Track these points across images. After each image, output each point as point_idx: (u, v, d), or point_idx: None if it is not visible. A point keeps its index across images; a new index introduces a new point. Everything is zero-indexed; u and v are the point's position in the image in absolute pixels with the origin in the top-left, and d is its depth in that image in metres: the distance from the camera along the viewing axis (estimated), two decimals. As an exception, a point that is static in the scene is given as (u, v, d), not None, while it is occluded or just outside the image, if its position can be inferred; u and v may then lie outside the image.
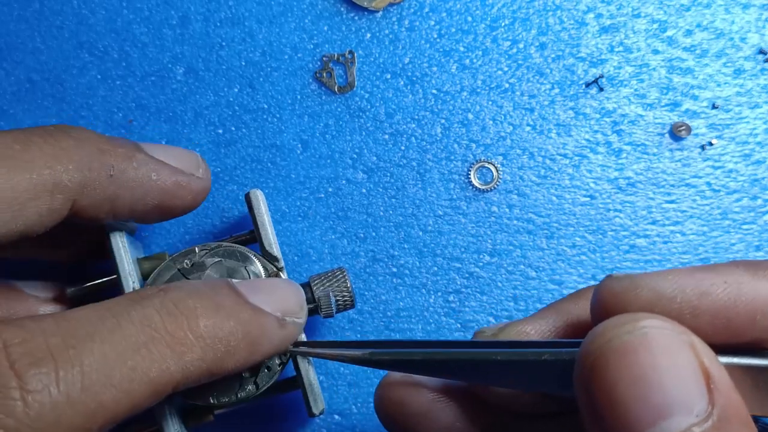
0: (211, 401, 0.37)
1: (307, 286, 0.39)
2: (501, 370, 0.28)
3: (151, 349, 0.30)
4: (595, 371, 0.24)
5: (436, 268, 0.44)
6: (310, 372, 0.38)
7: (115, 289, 0.38)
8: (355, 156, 0.45)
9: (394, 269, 0.44)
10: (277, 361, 0.37)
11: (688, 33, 0.46)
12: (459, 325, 0.44)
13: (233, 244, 0.38)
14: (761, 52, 0.46)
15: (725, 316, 0.27)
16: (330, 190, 0.45)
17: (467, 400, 0.34)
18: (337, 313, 0.39)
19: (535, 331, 0.32)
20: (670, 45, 0.46)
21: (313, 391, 0.38)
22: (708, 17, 0.46)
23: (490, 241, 0.44)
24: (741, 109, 0.45)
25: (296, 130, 0.45)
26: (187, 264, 0.37)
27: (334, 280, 0.39)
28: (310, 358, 0.38)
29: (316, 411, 0.38)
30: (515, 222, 0.44)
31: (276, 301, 0.35)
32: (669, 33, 0.46)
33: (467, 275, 0.44)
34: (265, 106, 0.45)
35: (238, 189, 0.44)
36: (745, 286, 0.27)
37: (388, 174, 0.45)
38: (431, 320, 0.44)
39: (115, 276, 0.38)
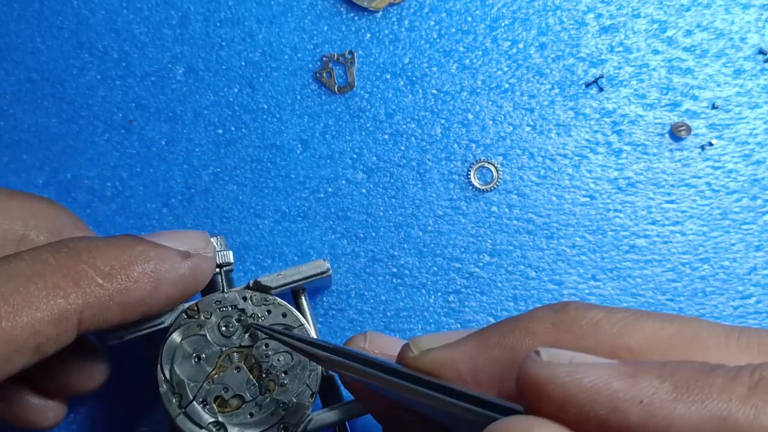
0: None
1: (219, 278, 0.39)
2: (434, 408, 0.28)
3: (44, 280, 0.31)
4: None
5: (436, 268, 0.44)
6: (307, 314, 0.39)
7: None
8: (355, 156, 0.45)
9: (394, 269, 0.44)
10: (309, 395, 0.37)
11: (688, 33, 0.46)
12: (459, 326, 0.43)
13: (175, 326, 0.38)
14: (761, 52, 0.46)
15: None
16: (330, 190, 0.45)
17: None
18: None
19: (453, 364, 0.30)
20: (670, 45, 0.46)
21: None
22: (708, 17, 0.46)
23: (490, 241, 0.44)
24: (741, 109, 0.45)
25: (296, 130, 0.45)
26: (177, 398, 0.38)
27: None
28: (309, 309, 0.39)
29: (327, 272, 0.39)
30: (515, 222, 0.44)
31: (177, 240, 0.36)
32: (669, 33, 0.46)
33: (467, 275, 0.44)
34: (265, 106, 0.45)
35: (238, 189, 0.44)
36: (661, 411, 0.24)
37: (388, 174, 0.45)
38: (431, 320, 0.44)
39: (156, 324, 0.38)
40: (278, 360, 0.37)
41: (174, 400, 0.37)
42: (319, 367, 0.37)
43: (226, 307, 0.38)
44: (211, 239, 0.38)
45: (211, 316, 0.38)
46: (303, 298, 0.40)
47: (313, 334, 0.38)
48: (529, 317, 0.30)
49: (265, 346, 0.37)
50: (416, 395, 0.28)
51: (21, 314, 0.30)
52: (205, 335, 0.38)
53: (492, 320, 0.43)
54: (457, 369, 0.30)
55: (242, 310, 0.38)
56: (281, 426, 0.37)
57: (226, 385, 0.37)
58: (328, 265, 0.39)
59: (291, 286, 0.39)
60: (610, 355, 0.26)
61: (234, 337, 0.38)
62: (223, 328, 0.38)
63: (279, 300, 0.38)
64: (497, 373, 0.29)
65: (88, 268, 0.33)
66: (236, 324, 0.38)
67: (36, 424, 0.39)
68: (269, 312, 0.38)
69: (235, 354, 0.38)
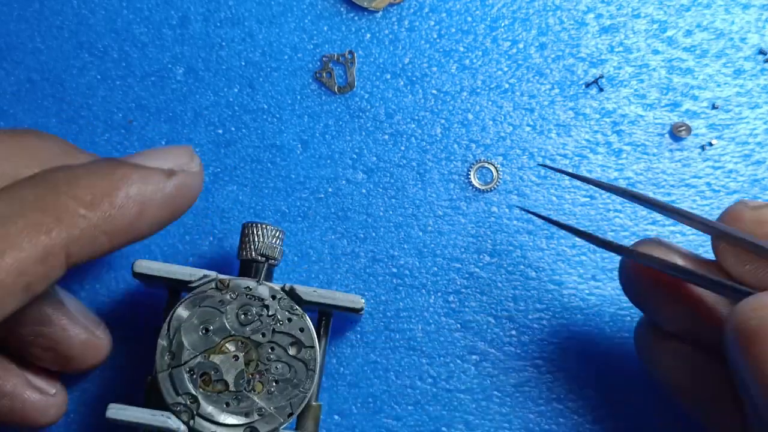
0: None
1: (248, 263, 0.39)
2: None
3: (25, 217, 0.30)
4: (740, 347, 0.30)
5: (436, 269, 0.44)
6: (323, 294, 0.38)
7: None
8: (355, 156, 0.45)
9: (394, 269, 0.44)
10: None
11: (688, 33, 0.46)
12: (459, 326, 0.43)
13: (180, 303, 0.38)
14: (761, 52, 0.46)
15: None
16: (330, 190, 0.45)
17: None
18: (280, 252, 0.39)
19: None
20: (670, 45, 0.46)
21: (339, 299, 0.38)
22: (708, 17, 0.46)
23: (490, 241, 0.44)
24: (741, 109, 0.45)
25: (296, 130, 0.45)
26: (168, 358, 0.38)
27: (254, 237, 0.39)
28: (315, 288, 0.38)
29: (359, 306, 0.38)
30: (515, 222, 0.44)
31: (159, 158, 0.35)
32: (669, 33, 0.46)
33: (467, 275, 0.44)
34: (265, 107, 0.45)
35: (238, 189, 0.44)
36: None
37: (388, 174, 0.45)
38: (431, 320, 0.44)
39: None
40: (276, 368, 0.37)
41: (167, 357, 0.37)
42: (309, 393, 0.37)
43: (253, 297, 0.38)
44: (198, 159, 0.37)
45: (236, 297, 0.38)
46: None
47: (318, 358, 0.38)
48: None
49: (271, 350, 0.37)
50: None
51: (4, 257, 0.29)
52: (223, 313, 0.37)
53: (492, 320, 0.43)
54: None
55: (266, 306, 0.38)
56: (248, 428, 0.37)
57: (218, 367, 0.37)
58: (363, 303, 0.38)
59: (321, 307, 0.39)
60: None
61: (247, 328, 0.37)
62: (242, 316, 0.37)
63: (304, 314, 0.38)
64: None
65: (69, 200, 0.32)
66: (255, 316, 0.38)
67: (37, 420, 0.39)
68: (289, 320, 0.38)
69: (240, 343, 0.37)
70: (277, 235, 0.39)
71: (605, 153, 0.45)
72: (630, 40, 0.46)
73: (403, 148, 0.45)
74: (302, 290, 0.38)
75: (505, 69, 0.46)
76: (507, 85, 0.45)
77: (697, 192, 0.45)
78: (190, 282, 0.38)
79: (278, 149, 0.45)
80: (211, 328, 0.37)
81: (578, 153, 0.45)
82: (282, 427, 0.37)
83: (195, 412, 0.37)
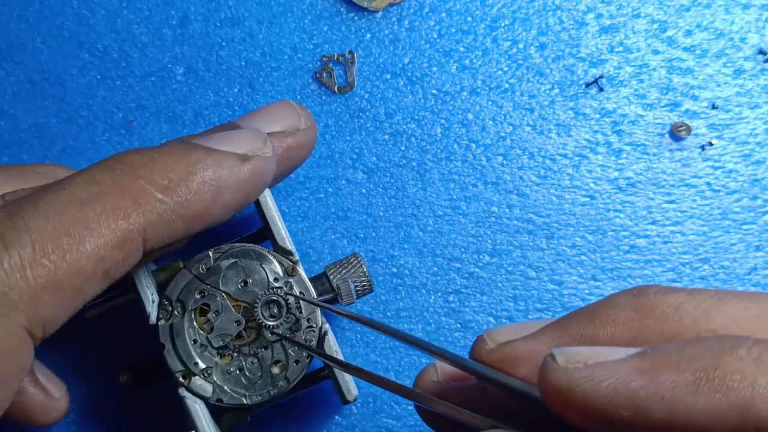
0: (245, 402, 0.37)
1: (323, 277, 0.39)
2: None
3: (103, 201, 0.30)
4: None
5: (436, 268, 0.44)
6: (338, 359, 0.38)
7: (133, 304, 0.38)
8: (355, 156, 0.45)
9: (394, 269, 0.44)
10: (305, 354, 0.37)
11: (688, 33, 0.46)
12: (459, 325, 0.44)
13: (246, 244, 0.38)
14: (761, 52, 0.46)
15: None
16: (330, 190, 0.45)
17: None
18: (357, 299, 0.39)
19: (529, 353, 0.29)
20: (670, 45, 0.46)
21: (344, 378, 0.38)
22: (708, 17, 0.46)
23: (490, 241, 0.44)
24: (741, 109, 0.45)
25: (296, 130, 0.45)
26: (203, 269, 0.37)
27: (350, 267, 0.39)
28: (338, 349, 0.38)
29: (350, 398, 0.38)
30: (515, 222, 0.44)
31: (232, 142, 0.35)
32: (669, 33, 0.46)
33: (467, 275, 0.44)
34: (265, 106, 0.45)
35: (238, 189, 0.44)
36: (683, 406, 0.23)
37: (388, 174, 0.45)
38: (431, 320, 0.44)
39: (130, 293, 0.38)
40: (252, 362, 0.37)
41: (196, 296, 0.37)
42: (247, 401, 0.37)
43: (288, 301, 0.37)
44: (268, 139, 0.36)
45: (292, 287, 0.37)
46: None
47: (282, 232, 0.38)
48: (609, 304, 0.29)
49: (264, 348, 0.37)
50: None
51: (84, 243, 0.29)
52: (274, 283, 0.37)
53: (492, 320, 0.43)
54: (535, 362, 0.28)
55: (298, 320, 0.37)
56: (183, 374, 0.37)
57: (220, 311, 0.37)
58: (356, 395, 0.38)
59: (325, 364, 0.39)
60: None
61: (267, 313, 0.37)
62: (274, 308, 0.37)
63: (311, 357, 0.38)
64: None
65: (145, 184, 0.31)
66: (278, 314, 0.37)
67: (37, 419, 0.39)
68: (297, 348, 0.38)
69: (251, 318, 0.37)
70: (363, 287, 0.39)
71: (605, 153, 0.45)
72: (630, 40, 0.46)
73: (403, 148, 0.45)
74: (328, 344, 0.38)
75: (505, 69, 0.46)
76: (507, 85, 0.45)
77: (697, 192, 0.45)
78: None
79: (278, 149, 0.45)
80: (249, 281, 0.37)
81: (578, 153, 0.45)
82: (192, 401, 0.37)
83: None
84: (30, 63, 0.45)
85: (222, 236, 0.44)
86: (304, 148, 0.38)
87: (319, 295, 0.38)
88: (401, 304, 0.44)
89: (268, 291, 0.37)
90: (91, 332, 0.42)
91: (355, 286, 0.39)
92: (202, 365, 0.37)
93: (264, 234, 0.39)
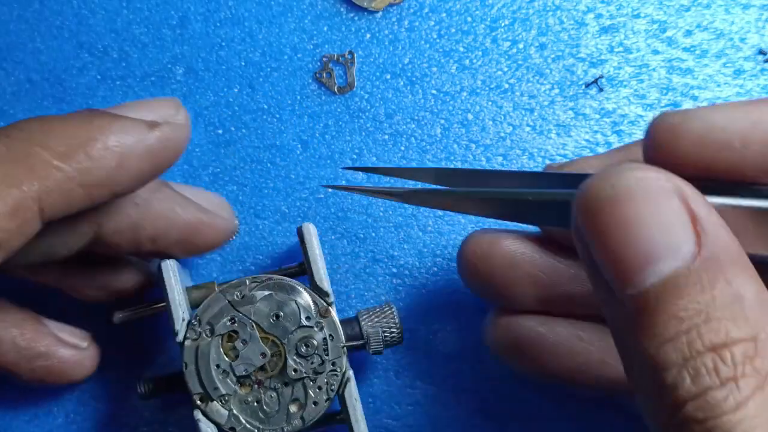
0: None
1: (354, 321, 0.39)
2: (534, 209, 0.29)
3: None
4: (586, 222, 0.25)
5: (436, 269, 0.44)
6: (357, 408, 0.38)
7: (163, 317, 0.39)
8: (354, 156, 0.45)
9: (394, 269, 0.44)
10: (325, 397, 0.37)
11: (688, 33, 0.46)
12: (459, 325, 0.43)
13: (283, 277, 0.38)
14: (761, 52, 0.46)
15: None
16: (330, 190, 0.45)
17: (550, 248, 0.36)
18: (385, 348, 0.39)
19: (599, 166, 0.31)
20: (669, 45, 0.46)
21: (359, 428, 0.38)
22: (708, 17, 0.46)
23: (490, 241, 0.44)
24: (741, 109, 0.45)
25: (296, 130, 0.45)
26: (237, 296, 0.38)
27: (383, 316, 0.39)
28: (358, 396, 0.38)
29: None
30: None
31: (143, 110, 0.34)
32: (669, 33, 0.46)
33: (467, 275, 0.44)
34: (265, 107, 0.45)
35: (238, 189, 0.44)
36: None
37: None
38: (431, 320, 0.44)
39: (163, 304, 0.38)
40: (271, 396, 0.37)
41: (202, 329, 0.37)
42: None
43: (319, 344, 0.38)
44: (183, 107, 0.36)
45: (322, 328, 0.38)
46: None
47: (321, 272, 0.38)
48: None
49: (284, 384, 0.37)
50: None
51: None
52: (308, 331, 0.37)
53: (492, 320, 0.43)
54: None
55: (323, 362, 0.37)
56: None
57: (247, 340, 0.37)
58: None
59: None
60: None
61: (294, 352, 0.37)
62: (303, 347, 0.37)
63: (330, 400, 0.38)
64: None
65: (41, 151, 0.30)
66: (310, 352, 0.37)
67: (74, 375, 0.39)
68: (319, 388, 0.38)
69: (277, 353, 0.37)
70: (393, 338, 0.39)
71: (605, 153, 0.45)
72: (630, 40, 0.46)
73: (403, 148, 0.45)
74: (349, 391, 0.38)
75: (505, 69, 0.46)
76: (507, 85, 0.45)
77: (697, 192, 0.45)
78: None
79: (278, 149, 0.45)
80: (282, 315, 0.37)
81: (578, 153, 0.45)
82: (206, 425, 0.37)
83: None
84: (30, 63, 0.45)
85: (256, 227, 0.44)
86: (215, 230, 0.38)
87: (348, 339, 0.38)
88: (401, 304, 0.44)
89: (299, 329, 0.37)
90: (116, 338, 0.42)
91: (385, 336, 0.39)
92: (221, 391, 0.37)
93: (303, 269, 0.39)
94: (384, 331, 0.39)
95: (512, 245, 0.37)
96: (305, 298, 0.38)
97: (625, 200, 0.24)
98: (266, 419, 0.37)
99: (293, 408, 0.37)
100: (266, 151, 0.45)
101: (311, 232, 0.38)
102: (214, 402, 0.37)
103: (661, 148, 0.27)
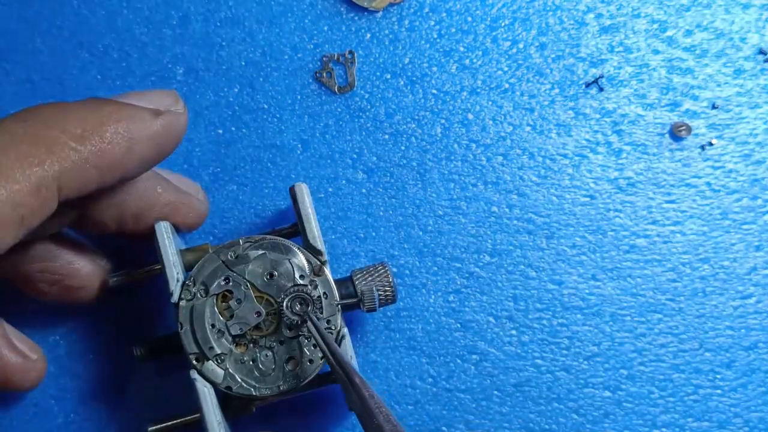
0: (254, 393, 0.37)
1: (349, 281, 0.39)
2: None
3: (17, 149, 0.30)
4: None
5: (436, 268, 0.44)
6: (352, 365, 0.38)
7: (158, 278, 0.39)
8: (355, 156, 0.45)
9: (394, 269, 0.44)
10: (320, 355, 0.37)
11: (688, 33, 0.46)
12: (459, 325, 0.43)
13: (277, 237, 0.38)
14: (761, 52, 0.46)
15: None
16: (330, 190, 0.45)
17: None
18: (379, 307, 0.39)
19: None
20: (670, 45, 0.46)
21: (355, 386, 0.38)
22: (708, 17, 0.46)
23: (490, 241, 0.44)
24: (741, 109, 0.45)
25: (296, 130, 0.45)
26: (231, 256, 0.38)
27: (377, 274, 0.39)
28: (353, 353, 0.38)
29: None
30: (515, 222, 0.44)
31: (145, 99, 0.36)
32: (669, 33, 0.46)
33: (467, 275, 0.44)
34: (265, 106, 0.45)
35: (238, 189, 0.44)
36: None
37: (388, 174, 0.45)
38: (431, 320, 0.44)
39: (158, 266, 0.38)
40: (266, 355, 0.37)
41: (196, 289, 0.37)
42: (256, 392, 0.37)
43: (315, 298, 0.38)
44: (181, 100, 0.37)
45: (316, 287, 0.38)
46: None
47: (315, 230, 0.38)
48: None
49: (280, 342, 0.37)
50: None
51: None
52: (300, 280, 0.37)
53: (492, 320, 0.43)
54: None
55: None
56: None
57: (242, 299, 0.37)
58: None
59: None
60: None
61: (290, 310, 0.37)
62: (297, 305, 0.37)
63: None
64: None
65: (59, 133, 0.32)
66: (302, 310, 0.37)
67: (16, 383, 0.39)
68: (315, 347, 0.38)
69: (272, 312, 0.37)
70: (386, 296, 0.39)
71: (605, 153, 0.45)
72: (630, 40, 0.46)
73: (403, 148, 0.45)
74: (344, 348, 0.38)
75: (505, 69, 0.46)
76: (507, 85, 0.45)
77: (697, 192, 0.45)
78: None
79: (278, 149, 0.45)
80: (276, 274, 0.38)
81: (578, 153, 0.45)
82: (202, 385, 0.37)
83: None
84: (30, 63, 0.45)
85: (256, 227, 0.44)
86: (193, 211, 0.39)
87: (342, 298, 0.38)
88: (401, 304, 0.44)
89: (294, 287, 0.37)
90: (111, 301, 0.42)
91: (379, 295, 0.39)
92: (216, 350, 0.37)
93: (296, 230, 0.39)
94: (378, 290, 0.39)
95: None
96: (299, 257, 0.38)
97: None
98: (262, 378, 0.37)
99: (289, 366, 0.37)
100: (266, 151, 0.45)
101: (304, 191, 0.38)
102: (210, 361, 0.37)
103: None
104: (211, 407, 0.37)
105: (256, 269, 0.38)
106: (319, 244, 0.38)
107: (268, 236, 0.38)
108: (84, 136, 0.32)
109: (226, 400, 0.38)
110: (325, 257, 0.38)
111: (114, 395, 0.43)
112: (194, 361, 0.37)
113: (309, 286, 0.38)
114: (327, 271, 0.38)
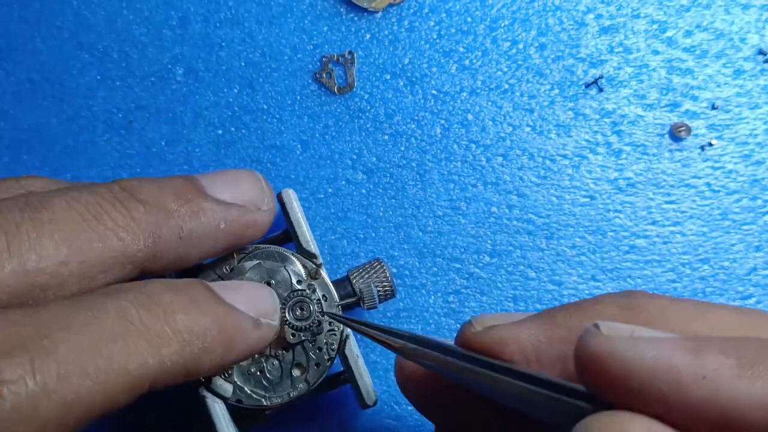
0: (264, 403, 0.37)
1: (346, 281, 0.39)
2: (511, 395, 0.28)
3: (127, 342, 0.30)
4: None
5: (435, 269, 0.44)
6: (359, 364, 0.38)
7: None
8: (354, 156, 0.45)
9: (394, 269, 0.44)
10: (326, 357, 0.37)
11: (688, 33, 0.46)
12: (459, 325, 0.43)
13: (269, 246, 0.38)
14: (761, 52, 0.46)
15: (692, 416, 0.23)
16: (330, 190, 0.45)
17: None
18: (379, 303, 0.39)
19: (516, 343, 0.30)
20: (669, 45, 0.46)
21: (364, 382, 0.38)
22: (708, 18, 0.46)
23: (490, 241, 0.44)
24: (741, 109, 0.45)
25: (296, 130, 0.45)
26: (226, 270, 0.38)
27: (373, 271, 0.39)
28: (359, 353, 0.38)
29: (369, 402, 0.38)
30: (515, 222, 0.44)
31: (250, 302, 0.35)
32: (669, 33, 0.46)
33: (467, 275, 0.44)
34: (265, 107, 0.45)
35: (238, 189, 0.44)
36: (725, 388, 0.23)
37: (388, 174, 0.45)
38: (431, 320, 0.44)
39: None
40: (273, 364, 0.37)
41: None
42: (267, 402, 0.37)
43: (315, 300, 0.38)
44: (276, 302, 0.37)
45: (314, 290, 0.38)
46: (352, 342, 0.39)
47: (307, 234, 0.38)
48: (595, 300, 0.30)
49: (284, 350, 0.37)
50: (486, 379, 0.28)
51: (100, 383, 0.29)
52: (297, 285, 0.37)
53: (492, 320, 0.44)
54: (521, 346, 0.30)
55: (320, 323, 0.38)
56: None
57: None
58: (375, 399, 0.39)
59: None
60: None
61: (292, 315, 0.37)
62: (298, 310, 0.37)
63: (332, 360, 0.38)
64: (561, 354, 0.29)
65: (171, 333, 0.31)
66: (305, 314, 0.37)
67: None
68: (320, 350, 0.38)
69: (295, 336, 0.37)
70: (386, 292, 0.39)
71: (605, 153, 0.45)
72: (630, 40, 0.46)
73: (403, 148, 0.45)
74: (350, 348, 0.38)
75: (505, 69, 0.46)
76: (507, 86, 0.45)
77: (697, 192, 0.45)
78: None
79: (278, 149, 0.45)
80: (273, 282, 0.37)
81: (578, 153, 0.45)
82: (212, 401, 0.37)
83: None
84: (30, 63, 0.45)
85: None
86: (258, 230, 0.37)
87: (341, 298, 0.38)
88: (401, 304, 0.44)
89: (292, 293, 0.37)
90: None
91: (378, 291, 0.39)
92: None
93: (288, 236, 0.39)
94: (376, 286, 0.39)
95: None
96: (294, 262, 0.38)
97: None
98: (271, 387, 0.37)
99: (296, 372, 0.37)
100: (266, 151, 0.45)
101: (291, 197, 0.38)
102: (217, 377, 0.37)
103: (584, 374, 0.25)
104: (224, 422, 0.37)
105: (252, 279, 0.38)
106: (313, 248, 0.38)
107: (261, 245, 0.38)
108: (190, 342, 0.32)
109: (238, 414, 0.38)
110: (320, 260, 0.38)
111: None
112: (202, 378, 0.37)
113: (307, 290, 0.38)
114: (323, 273, 0.38)
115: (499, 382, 0.27)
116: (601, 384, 0.24)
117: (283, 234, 0.40)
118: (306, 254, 0.38)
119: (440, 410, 0.34)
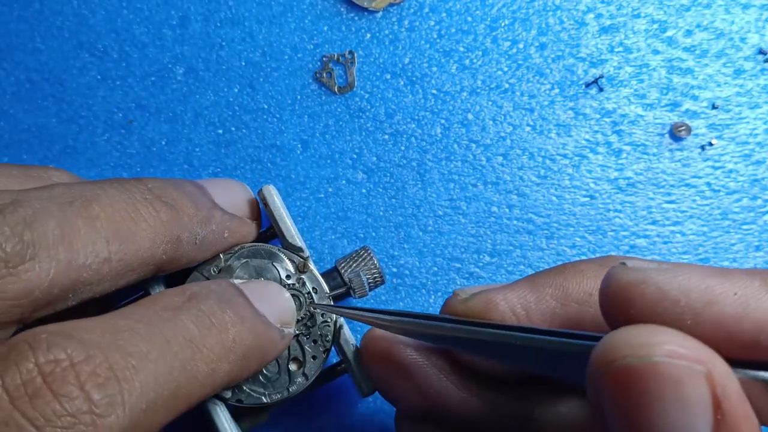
0: (264, 400, 0.37)
1: (335, 271, 0.39)
2: (516, 352, 0.28)
3: (192, 367, 0.30)
4: (604, 386, 0.24)
5: (436, 268, 0.44)
6: (355, 352, 0.38)
7: None
8: (355, 156, 0.45)
9: (394, 269, 0.44)
10: (322, 349, 0.37)
11: (688, 33, 0.46)
12: (459, 326, 0.44)
13: (255, 243, 0.38)
14: (761, 52, 0.46)
15: (727, 330, 0.25)
16: (330, 190, 0.45)
17: (445, 360, 0.35)
18: (369, 291, 0.39)
19: (505, 302, 0.32)
20: (670, 45, 0.46)
21: (362, 371, 0.38)
22: (708, 17, 0.46)
23: (490, 241, 0.44)
24: (741, 109, 0.45)
25: (296, 130, 0.45)
26: (214, 271, 0.38)
27: (361, 260, 0.39)
28: (354, 341, 0.38)
29: (367, 390, 0.38)
30: (515, 222, 0.44)
31: (276, 311, 0.35)
32: (669, 33, 0.46)
33: (467, 275, 0.44)
34: (265, 107, 0.45)
35: (238, 189, 0.44)
36: (755, 301, 0.25)
37: (388, 174, 0.45)
38: (431, 320, 0.44)
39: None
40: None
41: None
42: (267, 400, 0.37)
43: (308, 295, 0.38)
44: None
45: (304, 284, 0.38)
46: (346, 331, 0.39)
47: (291, 229, 0.38)
48: (575, 263, 0.32)
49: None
50: (495, 337, 0.29)
51: (168, 412, 0.29)
52: (286, 280, 0.37)
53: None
54: (511, 305, 0.32)
55: (313, 316, 0.38)
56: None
57: None
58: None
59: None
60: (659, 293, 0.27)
61: (302, 327, 0.37)
62: (304, 314, 0.38)
63: (327, 352, 0.38)
64: (549, 310, 0.31)
65: (224, 353, 0.32)
66: (303, 304, 0.37)
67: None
68: (314, 342, 0.38)
69: (302, 338, 0.37)
70: (375, 279, 0.39)
71: (605, 153, 0.45)
72: (630, 40, 0.46)
73: (403, 148, 0.45)
74: (344, 337, 0.38)
75: (505, 69, 0.46)
76: (507, 85, 0.45)
77: (697, 192, 0.45)
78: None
79: (278, 149, 0.45)
80: (262, 279, 0.37)
81: (578, 153, 0.45)
82: (212, 403, 0.37)
83: None
84: (30, 63, 0.45)
85: None
86: (247, 239, 0.38)
87: (331, 289, 0.38)
88: (401, 304, 0.44)
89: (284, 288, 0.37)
90: None
91: (367, 279, 0.39)
92: None
93: (273, 233, 0.39)
94: (365, 274, 0.39)
95: (409, 355, 0.35)
96: (281, 258, 0.38)
97: (650, 377, 0.23)
98: (269, 383, 0.37)
99: (293, 367, 0.37)
100: (266, 151, 0.45)
101: (272, 192, 0.38)
102: None
103: (612, 308, 0.26)
104: (225, 424, 0.36)
105: (241, 278, 0.37)
106: (298, 241, 0.38)
107: (247, 244, 0.38)
108: (236, 361, 0.32)
109: (238, 413, 0.38)
110: (307, 253, 0.38)
111: None
112: None
113: (297, 284, 0.38)
114: (311, 266, 0.38)
115: (508, 339, 0.28)
116: (631, 312, 0.26)
117: (268, 230, 0.39)
118: (292, 248, 0.38)
119: (403, 392, 0.35)
